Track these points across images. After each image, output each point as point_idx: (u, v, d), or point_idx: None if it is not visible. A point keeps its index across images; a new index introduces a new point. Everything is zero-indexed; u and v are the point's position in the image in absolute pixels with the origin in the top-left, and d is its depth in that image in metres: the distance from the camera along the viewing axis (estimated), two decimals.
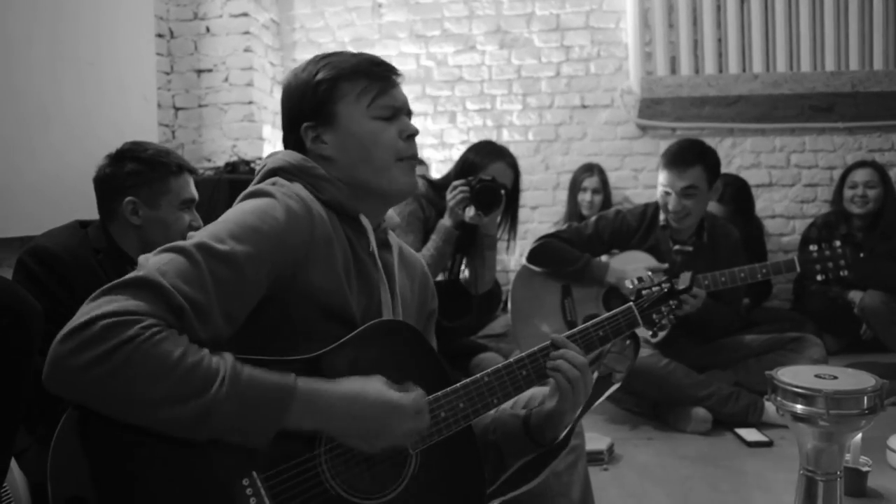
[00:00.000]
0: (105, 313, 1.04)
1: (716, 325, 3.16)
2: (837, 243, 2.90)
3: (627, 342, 1.60)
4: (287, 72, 5.08)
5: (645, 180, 5.06)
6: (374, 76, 1.46)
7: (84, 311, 1.06)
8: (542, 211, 5.16)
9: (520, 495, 1.47)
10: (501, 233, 3.12)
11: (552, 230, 3.51)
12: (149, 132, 4.25)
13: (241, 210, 1.28)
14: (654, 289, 1.74)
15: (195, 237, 1.20)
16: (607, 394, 1.54)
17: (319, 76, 1.45)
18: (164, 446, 1.10)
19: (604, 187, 4.77)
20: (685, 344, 3.19)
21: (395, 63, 1.52)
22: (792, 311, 4.40)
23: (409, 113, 1.52)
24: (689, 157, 3.13)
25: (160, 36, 4.63)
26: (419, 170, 2.27)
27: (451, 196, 2.81)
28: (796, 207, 5.01)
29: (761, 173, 5.01)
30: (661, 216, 3.23)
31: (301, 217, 1.30)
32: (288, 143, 1.51)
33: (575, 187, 4.78)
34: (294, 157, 1.45)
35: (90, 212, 2.29)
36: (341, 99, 1.44)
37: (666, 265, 3.08)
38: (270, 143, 4.87)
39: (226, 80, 4.73)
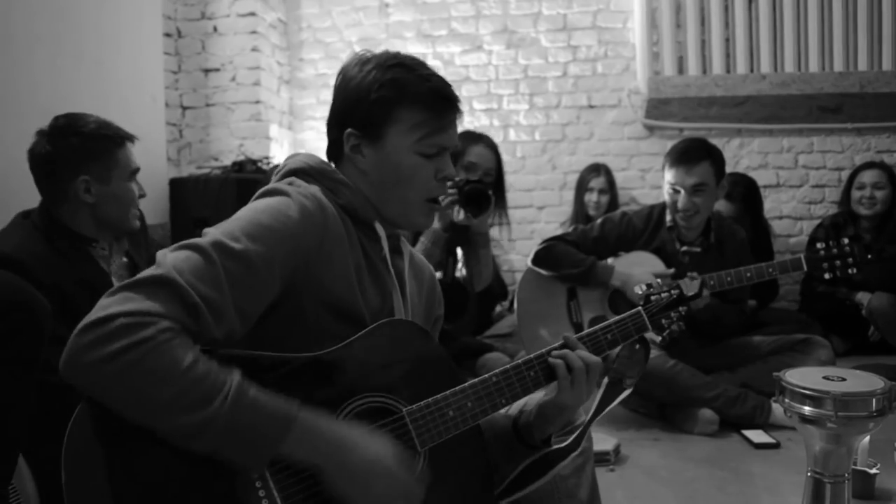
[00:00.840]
0: (124, 311, 1.05)
1: (721, 324, 3.15)
2: (846, 240, 2.89)
3: (637, 347, 1.60)
4: (294, 70, 5.13)
5: (652, 180, 5.05)
6: (436, 112, 1.41)
7: (103, 306, 1.07)
8: (548, 211, 5.15)
9: (527, 496, 1.47)
10: (493, 218, 3.11)
11: (559, 230, 3.52)
12: (156, 131, 4.27)
13: (256, 208, 1.28)
14: (664, 294, 1.74)
15: (209, 235, 1.20)
16: (619, 399, 1.54)
17: (382, 92, 1.38)
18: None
19: (610, 188, 4.77)
20: (692, 345, 3.18)
21: None
22: (799, 313, 4.39)
23: (453, 150, 1.48)
24: (696, 154, 3.13)
25: (168, 35, 4.64)
26: None
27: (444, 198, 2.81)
28: (804, 208, 5.00)
29: (769, 174, 4.99)
30: (668, 217, 3.22)
31: (315, 217, 1.30)
32: (329, 133, 1.48)
33: (581, 187, 4.77)
34: (314, 159, 1.45)
35: None
36: (394, 124, 1.39)
37: (672, 270, 3.07)
38: (277, 142, 4.88)
39: (233, 79, 4.73)
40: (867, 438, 2.20)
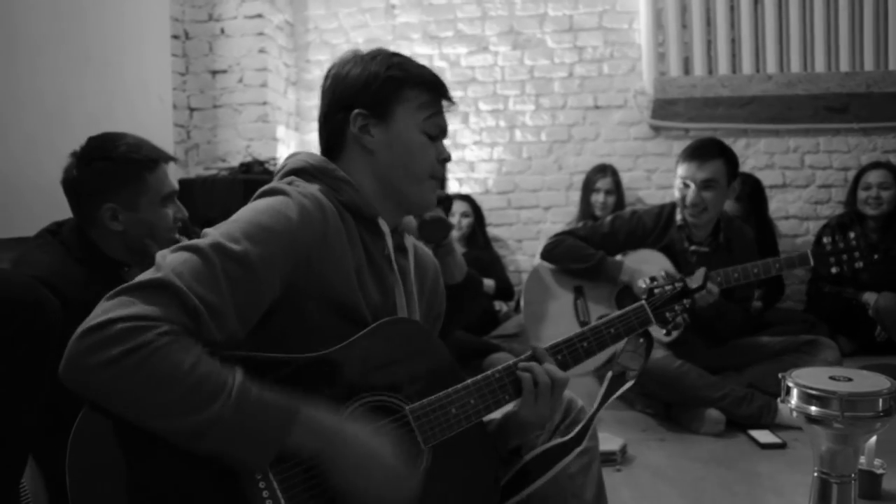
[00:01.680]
0: (123, 316, 1.06)
1: (728, 324, 3.15)
2: (852, 234, 2.89)
3: (641, 341, 1.60)
4: (301, 71, 5.14)
5: (658, 181, 5.05)
6: (437, 94, 1.50)
7: (102, 311, 1.08)
8: (554, 211, 5.16)
9: (532, 496, 1.47)
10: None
11: (567, 229, 3.52)
12: (164, 132, 4.28)
13: (255, 209, 1.29)
14: (668, 287, 1.75)
15: (209, 236, 1.21)
16: (620, 391, 1.55)
17: (391, 73, 1.45)
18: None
19: (617, 188, 4.77)
20: (698, 345, 3.18)
21: None
22: (805, 313, 4.38)
23: (447, 136, 1.55)
24: (710, 151, 3.15)
25: (175, 37, 4.65)
26: None
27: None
28: (810, 208, 5.00)
29: (775, 174, 4.99)
30: (678, 216, 3.23)
31: (314, 216, 1.31)
32: (328, 124, 1.50)
33: (588, 188, 4.77)
34: (315, 158, 1.46)
35: None
36: (403, 102, 1.46)
37: (681, 276, 3.07)
38: (284, 143, 4.89)
39: (240, 80, 4.74)
40: (874, 438, 2.21)
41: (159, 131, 4.16)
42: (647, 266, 3.11)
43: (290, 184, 1.37)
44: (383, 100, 1.45)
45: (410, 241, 1.60)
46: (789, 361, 3.02)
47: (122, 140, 2.06)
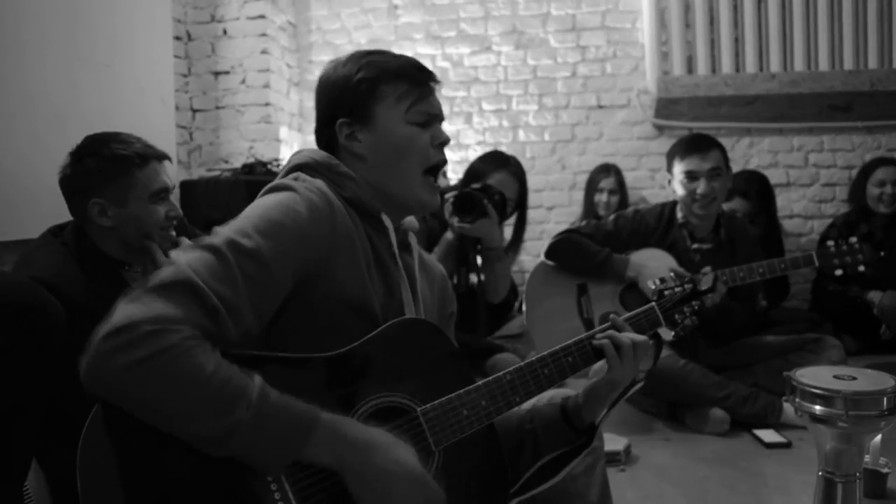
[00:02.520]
0: (148, 318, 1.06)
1: (732, 323, 3.15)
2: (854, 239, 2.91)
3: (650, 342, 1.60)
4: (303, 72, 5.14)
5: (662, 180, 5.03)
6: (416, 81, 1.48)
7: (124, 311, 1.07)
8: (558, 211, 5.15)
9: (539, 496, 1.47)
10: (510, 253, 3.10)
11: (571, 228, 3.51)
12: (166, 134, 4.28)
13: (264, 205, 1.29)
14: (677, 289, 1.75)
15: (221, 233, 1.21)
16: (629, 393, 1.55)
17: (361, 74, 1.45)
18: (190, 445, 1.10)
19: (620, 188, 4.77)
20: (703, 345, 3.18)
21: None
22: (810, 312, 4.37)
23: (441, 119, 1.54)
24: (707, 141, 3.19)
25: (178, 38, 4.66)
26: None
27: (445, 206, 2.81)
28: (814, 207, 4.99)
29: (779, 173, 4.98)
30: (679, 214, 3.22)
31: (322, 211, 1.31)
32: (321, 136, 1.52)
33: (591, 188, 4.77)
34: (318, 154, 1.47)
35: None
36: (381, 100, 1.45)
37: (690, 276, 3.07)
38: (287, 144, 4.89)
39: (243, 81, 4.75)
40: (879, 437, 2.20)
41: (162, 133, 4.17)
42: (652, 263, 3.11)
43: (295, 179, 1.37)
44: (361, 103, 1.45)
45: (414, 239, 1.61)
46: (794, 360, 3.01)
47: (116, 138, 2.10)
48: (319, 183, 1.37)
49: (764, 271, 2.89)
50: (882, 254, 2.96)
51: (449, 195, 2.84)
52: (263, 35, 4.70)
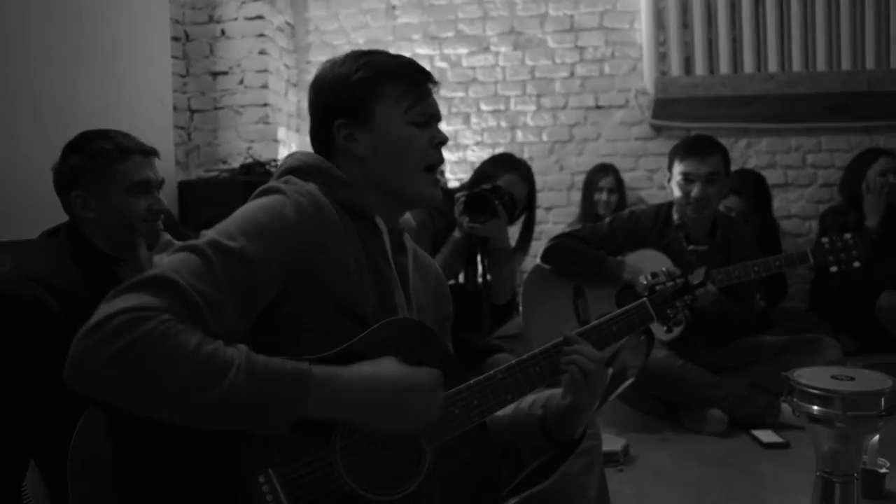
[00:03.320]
0: (123, 309, 1.06)
1: (730, 324, 3.15)
2: (847, 235, 2.89)
3: (641, 338, 1.60)
4: (301, 73, 5.14)
5: (660, 181, 5.04)
6: (414, 82, 1.48)
7: (102, 310, 1.08)
8: (556, 212, 5.15)
9: (536, 496, 1.47)
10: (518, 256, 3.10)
11: (566, 231, 3.51)
12: (164, 134, 4.29)
13: (252, 207, 1.30)
14: (669, 284, 1.74)
15: (206, 235, 1.22)
16: (620, 389, 1.56)
17: (360, 74, 1.45)
18: (181, 443, 1.11)
19: (619, 187, 4.78)
20: (700, 345, 3.18)
21: None
22: (808, 312, 4.37)
23: (439, 119, 1.54)
24: (708, 145, 3.16)
25: (176, 39, 4.66)
26: None
27: (456, 206, 2.81)
28: (812, 207, 4.98)
29: (777, 173, 4.98)
30: (675, 216, 3.22)
31: (311, 214, 1.31)
32: (317, 136, 1.51)
33: (590, 188, 4.77)
34: (311, 157, 1.46)
35: None
36: (380, 101, 1.45)
37: (682, 272, 3.07)
38: (285, 144, 4.89)
39: (241, 82, 4.74)
40: (876, 437, 2.20)
41: (160, 133, 4.17)
42: (648, 265, 3.10)
43: (286, 182, 1.37)
44: (360, 103, 1.44)
45: (409, 240, 1.61)
46: (791, 360, 3.00)
47: (104, 134, 2.13)
48: (310, 186, 1.36)
49: (759, 269, 2.89)
50: (875, 237, 2.95)
51: (460, 195, 2.84)
52: (261, 36, 4.70)
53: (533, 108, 5.16)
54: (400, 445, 1.29)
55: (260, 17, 4.69)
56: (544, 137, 5.16)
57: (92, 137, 2.13)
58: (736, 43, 4.81)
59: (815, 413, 1.66)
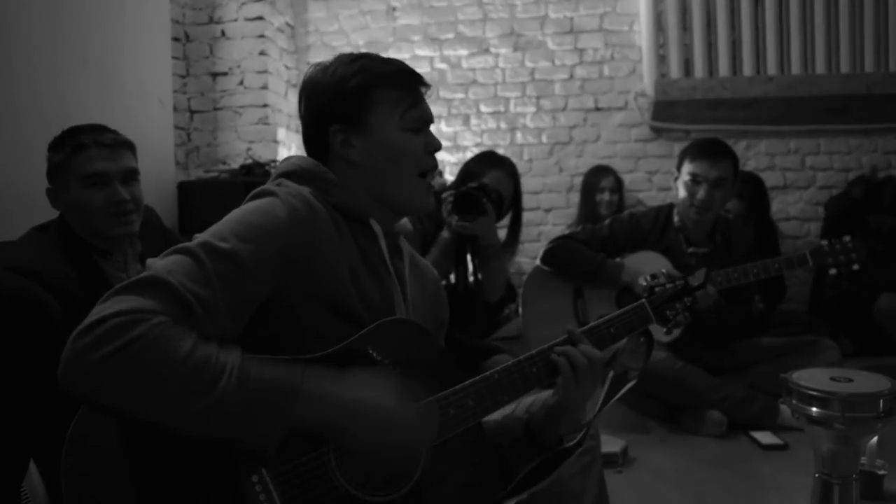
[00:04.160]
0: (116, 311, 1.06)
1: (729, 326, 3.15)
2: (847, 238, 2.89)
3: (641, 340, 1.59)
4: (301, 74, 5.12)
5: (659, 183, 5.05)
6: (408, 87, 1.47)
7: (96, 311, 1.08)
8: (555, 213, 5.16)
9: (534, 497, 1.45)
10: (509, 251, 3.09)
11: (566, 232, 3.51)
12: (165, 135, 4.28)
13: (244, 210, 1.30)
14: (668, 286, 1.74)
15: (199, 237, 1.22)
16: (621, 392, 1.54)
17: (355, 81, 1.44)
18: (175, 444, 1.11)
19: (619, 187, 4.78)
20: (699, 346, 3.18)
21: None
22: (807, 314, 4.38)
23: (432, 123, 1.54)
24: (721, 149, 3.16)
25: (176, 40, 4.65)
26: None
27: (444, 206, 2.81)
28: (811, 210, 4.99)
29: (776, 175, 4.99)
30: (675, 218, 3.23)
31: (303, 216, 1.31)
32: (312, 141, 1.51)
33: (591, 189, 4.76)
34: (306, 161, 1.46)
35: None
36: (375, 107, 1.44)
37: (682, 274, 3.07)
38: (285, 145, 4.89)
39: (241, 83, 4.74)
40: (875, 439, 2.20)
41: (159, 134, 4.17)
42: (647, 267, 3.10)
43: (279, 185, 1.37)
44: (355, 110, 1.44)
45: (406, 244, 1.60)
46: (790, 362, 3.00)
47: (75, 130, 2.17)
48: (304, 190, 1.37)
49: (758, 272, 2.89)
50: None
51: (446, 194, 2.84)
52: (261, 36, 4.70)
53: (532, 109, 5.16)
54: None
55: (260, 18, 4.69)
56: (544, 139, 5.16)
57: (64, 133, 2.17)
58: (735, 45, 4.82)
59: (813, 415, 1.66)
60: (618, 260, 3.20)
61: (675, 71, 4.84)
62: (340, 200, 1.42)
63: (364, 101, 1.44)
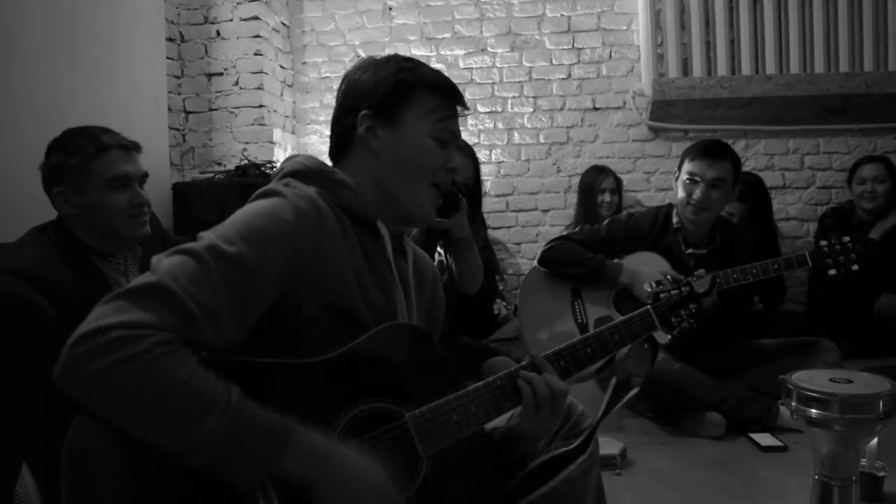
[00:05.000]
0: (118, 323, 1.04)
1: (728, 327, 3.14)
2: (846, 238, 2.89)
3: (645, 346, 1.58)
4: (297, 74, 5.12)
5: (657, 183, 5.04)
6: (450, 99, 1.49)
7: (97, 316, 1.06)
8: (553, 214, 5.14)
9: (533, 501, 1.45)
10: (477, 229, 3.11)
11: (564, 233, 3.50)
12: (159, 136, 4.27)
13: (251, 211, 1.28)
14: (673, 292, 1.73)
15: (204, 239, 1.19)
16: (626, 398, 1.53)
17: (402, 76, 1.45)
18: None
19: (618, 187, 4.77)
20: (699, 348, 3.16)
21: None
22: (807, 315, 4.36)
23: (457, 145, 1.54)
24: (720, 150, 3.15)
25: (171, 40, 4.64)
26: None
27: None
28: (810, 210, 4.97)
29: (775, 175, 4.97)
30: (674, 218, 3.21)
31: (310, 218, 1.30)
32: (338, 124, 1.51)
33: (591, 190, 4.73)
34: (312, 160, 1.46)
35: None
36: (412, 105, 1.45)
37: (687, 280, 3.06)
38: (281, 146, 4.88)
39: (236, 83, 4.73)
40: (875, 441, 2.19)
41: (154, 135, 4.15)
42: (645, 268, 3.09)
43: (286, 185, 1.36)
44: (392, 102, 1.44)
45: (410, 244, 1.59)
46: (790, 363, 2.99)
47: (85, 131, 2.19)
48: (310, 190, 1.35)
49: (757, 272, 2.88)
50: (874, 237, 2.95)
51: None
52: (257, 37, 4.69)
53: (530, 109, 5.15)
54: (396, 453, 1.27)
55: (255, 18, 4.68)
56: (541, 139, 5.15)
57: (72, 135, 2.18)
58: (734, 45, 4.80)
59: (813, 416, 1.65)
60: (616, 261, 3.19)
61: (673, 70, 4.83)
62: (347, 202, 1.41)
63: (403, 97, 1.45)
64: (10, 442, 1.73)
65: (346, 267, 1.34)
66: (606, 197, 4.69)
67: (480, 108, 5.17)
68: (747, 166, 4.88)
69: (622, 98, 5.08)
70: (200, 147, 4.78)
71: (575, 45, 5.09)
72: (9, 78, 3.02)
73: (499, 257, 5.00)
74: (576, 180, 4.98)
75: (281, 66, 5.05)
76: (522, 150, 5.15)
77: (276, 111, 4.90)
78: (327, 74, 5.21)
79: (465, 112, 1.53)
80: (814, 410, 1.64)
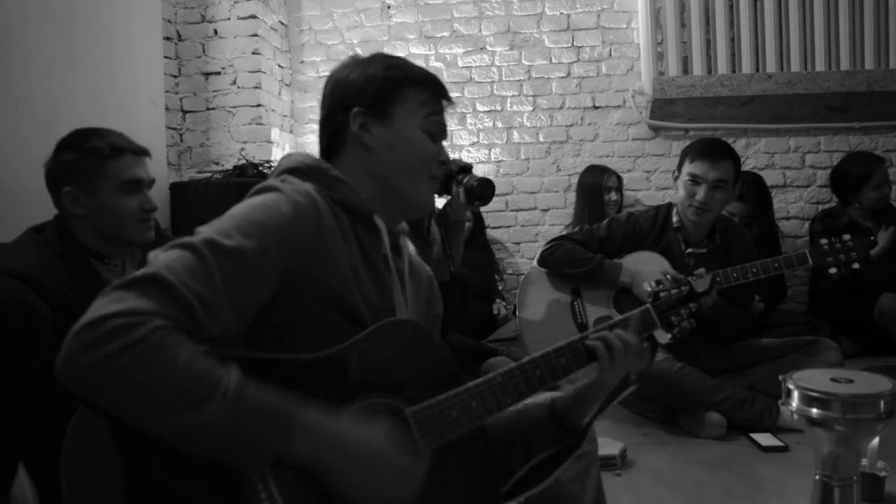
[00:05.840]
0: (116, 312, 1.04)
1: (728, 326, 3.12)
2: (847, 237, 2.89)
3: (644, 344, 1.58)
4: (295, 73, 5.11)
5: (657, 182, 5.02)
6: (438, 93, 1.52)
7: (96, 308, 1.06)
8: (553, 213, 5.12)
9: (532, 499, 1.46)
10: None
11: (563, 232, 3.50)
12: (157, 135, 4.26)
13: (248, 205, 1.28)
14: (673, 291, 1.73)
15: (202, 233, 1.20)
16: (622, 395, 1.54)
17: (391, 73, 1.48)
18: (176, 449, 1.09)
19: (620, 186, 4.76)
20: (699, 348, 3.16)
21: None
22: (807, 315, 4.35)
23: (445, 138, 1.57)
24: (722, 151, 3.13)
25: (168, 39, 4.63)
26: None
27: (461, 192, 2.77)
28: (811, 208, 4.95)
29: (776, 174, 4.96)
30: (674, 218, 3.20)
31: (307, 212, 1.30)
32: (328, 122, 1.53)
33: (596, 189, 4.69)
34: (309, 158, 1.47)
35: None
36: (403, 101, 1.48)
37: (687, 279, 3.04)
38: (279, 146, 4.86)
39: (234, 82, 4.71)
40: (876, 441, 2.18)
41: (152, 134, 4.14)
42: (645, 267, 3.09)
43: (283, 181, 1.36)
44: (383, 99, 1.46)
45: (406, 242, 1.60)
46: (790, 363, 2.99)
47: (96, 132, 2.18)
48: (308, 186, 1.36)
49: (758, 271, 2.87)
50: (872, 238, 2.94)
51: (468, 179, 2.80)
52: (255, 35, 4.67)
53: (529, 108, 5.13)
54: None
55: (253, 17, 4.66)
56: (541, 138, 5.13)
57: (85, 134, 2.17)
58: (734, 43, 4.79)
59: (814, 416, 1.64)
60: (616, 260, 3.18)
61: (673, 69, 4.81)
62: (344, 197, 1.41)
63: (393, 93, 1.47)
64: (5, 443, 1.72)
65: (343, 262, 1.34)
66: (613, 196, 4.68)
67: (479, 107, 5.15)
68: (748, 165, 4.88)
69: (622, 97, 5.06)
70: (198, 146, 4.77)
71: (574, 43, 5.08)
72: (6, 77, 3.01)
73: (498, 257, 5.00)
74: (575, 179, 4.96)
75: (279, 65, 5.04)
76: (522, 149, 5.14)
77: (274, 110, 4.89)
78: (325, 73, 5.14)
79: (450, 106, 1.56)
80: (815, 410, 1.63)
